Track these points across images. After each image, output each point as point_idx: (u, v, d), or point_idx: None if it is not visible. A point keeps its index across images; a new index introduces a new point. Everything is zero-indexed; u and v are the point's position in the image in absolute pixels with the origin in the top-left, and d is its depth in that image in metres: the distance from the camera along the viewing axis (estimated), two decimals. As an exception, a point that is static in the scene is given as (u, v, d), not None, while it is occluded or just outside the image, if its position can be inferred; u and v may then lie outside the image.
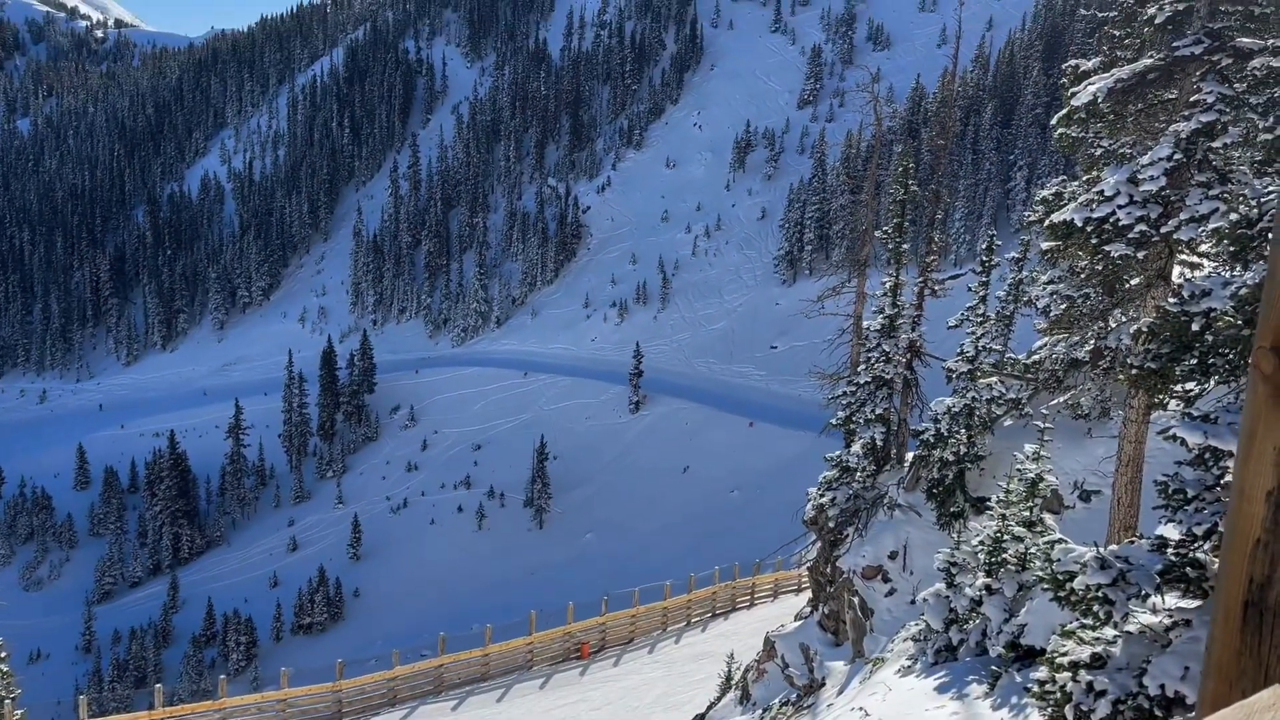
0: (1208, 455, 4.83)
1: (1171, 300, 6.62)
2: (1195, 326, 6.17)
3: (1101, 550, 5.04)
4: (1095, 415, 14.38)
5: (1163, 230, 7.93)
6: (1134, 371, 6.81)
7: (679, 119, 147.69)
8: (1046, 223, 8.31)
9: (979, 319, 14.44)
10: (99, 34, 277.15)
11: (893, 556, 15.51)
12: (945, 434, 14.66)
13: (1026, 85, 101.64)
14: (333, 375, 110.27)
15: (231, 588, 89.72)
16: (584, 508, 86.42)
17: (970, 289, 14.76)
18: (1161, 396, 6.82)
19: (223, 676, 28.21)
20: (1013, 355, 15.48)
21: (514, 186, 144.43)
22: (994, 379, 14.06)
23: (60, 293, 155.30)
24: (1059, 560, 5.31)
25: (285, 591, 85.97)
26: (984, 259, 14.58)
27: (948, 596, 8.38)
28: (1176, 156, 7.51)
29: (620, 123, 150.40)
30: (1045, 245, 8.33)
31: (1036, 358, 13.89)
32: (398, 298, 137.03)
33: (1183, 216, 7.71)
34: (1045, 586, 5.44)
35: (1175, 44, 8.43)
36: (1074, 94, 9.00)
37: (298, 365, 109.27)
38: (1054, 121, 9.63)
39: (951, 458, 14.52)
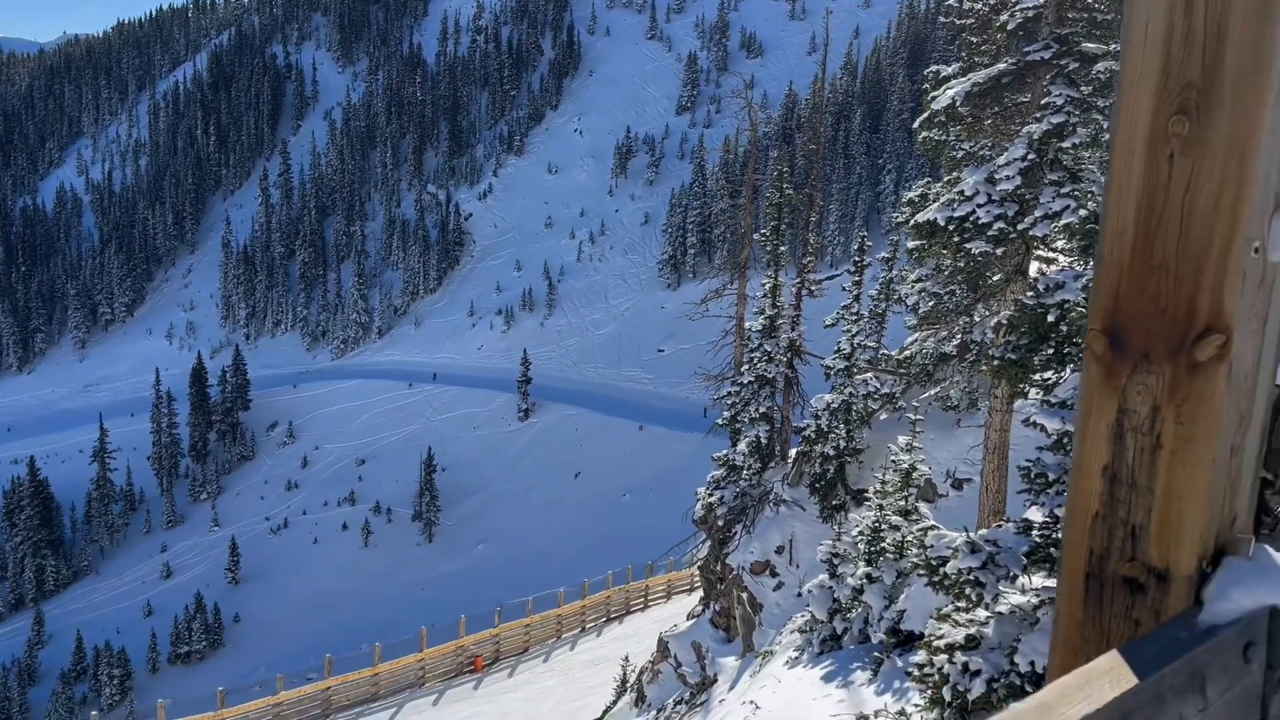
0: (1065, 440, 5.09)
1: (1028, 294, 6.98)
2: (1050, 318, 6.51)
3: (972, 535, 5.26)
4: (964, 406, 15.02)
5: (1019, 227, 8.37)
6: (995, 363, 7.16)
7: (559, 125, 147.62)
8: (911, 223, 8.66)
9: (853, 317, 14.91)
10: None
11: (780, 551, 15.84)
12: (825, 430, 15.06)
13: (893, 91, 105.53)
14: (204, 393, 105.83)
15: (102, 619, 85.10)
16: (475, 519, 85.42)
17: (844, 289, 15.23)
18: (1022, 386, 7.20)
19: (95, 713, 26.75)
20: (886, 351, 16.02)
21: (392, 194, 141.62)
22: (869, 375, 14.54)
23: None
24: (932, 546, 5.52)
25: (160, 620, 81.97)
26: (856, 260, 15.07)
27: (831, 587, 8.61)
28: (1030, 157, 7.93)
29: (500, 128, 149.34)
30: (911, 244, 8.67)
31: (908, 353, 14.43)
32: (272, 310, 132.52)
33: (1037, 214, 8.15)
34: (921, 573, 5.64)
35: (1026, 49, 8.90)
36: (934, 98, 9.41)
37: (166, 383, 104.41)
38: (916, 125, 10.05)
39: (832, 452, 14.93)
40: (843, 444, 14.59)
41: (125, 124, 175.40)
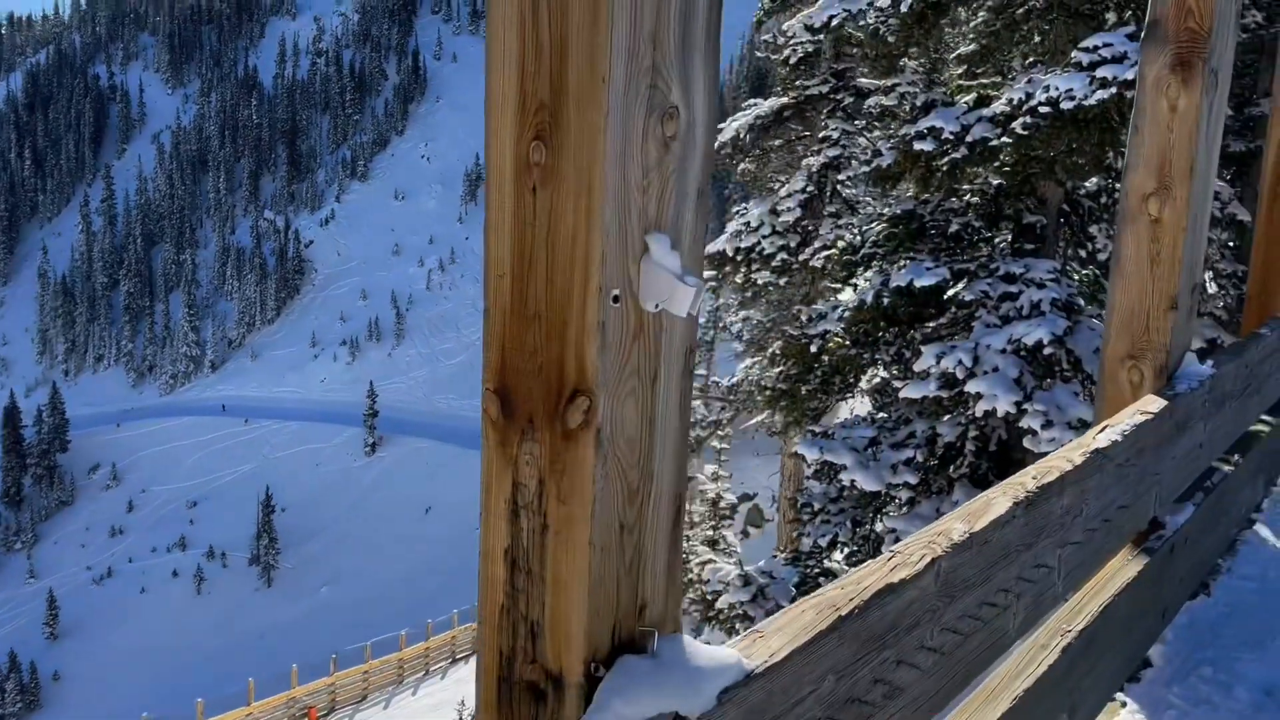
0: (825, 469, 5.09)
1: (795, 324, 7.11)
2: (814, 349, 6.63)
3: (747, 568, 5.18)
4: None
5: (801, 258, 8.56)
6: (767, 393, 7.24)
7: (405, 150, 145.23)
8: (705, 252, 8.72)
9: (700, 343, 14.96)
10: None
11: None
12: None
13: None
14: (17, 435, 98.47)
15: (-107, 689, 77.22)
16: (319, 560, 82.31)
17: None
18: (795, 415, 7.31)
19: None
20: (716, 379, 16.15)
21: (226, 220, 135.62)
22: (697, 402, 14.58)
23: None
24: (708, 581, 5.41)
25: (-34, 684, 75.21)
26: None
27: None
28: (809, 189, 8.14)
29: (342, 153, 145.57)
30: (705, 274, 8.72)
31: (736, 379, 14.61)
32: (93, 344, 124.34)
33: (816, 245, 8.36)
34: (696, 609, 5.55)
35: (804, 84, 9.16)
36: (720, 129, 9.54)
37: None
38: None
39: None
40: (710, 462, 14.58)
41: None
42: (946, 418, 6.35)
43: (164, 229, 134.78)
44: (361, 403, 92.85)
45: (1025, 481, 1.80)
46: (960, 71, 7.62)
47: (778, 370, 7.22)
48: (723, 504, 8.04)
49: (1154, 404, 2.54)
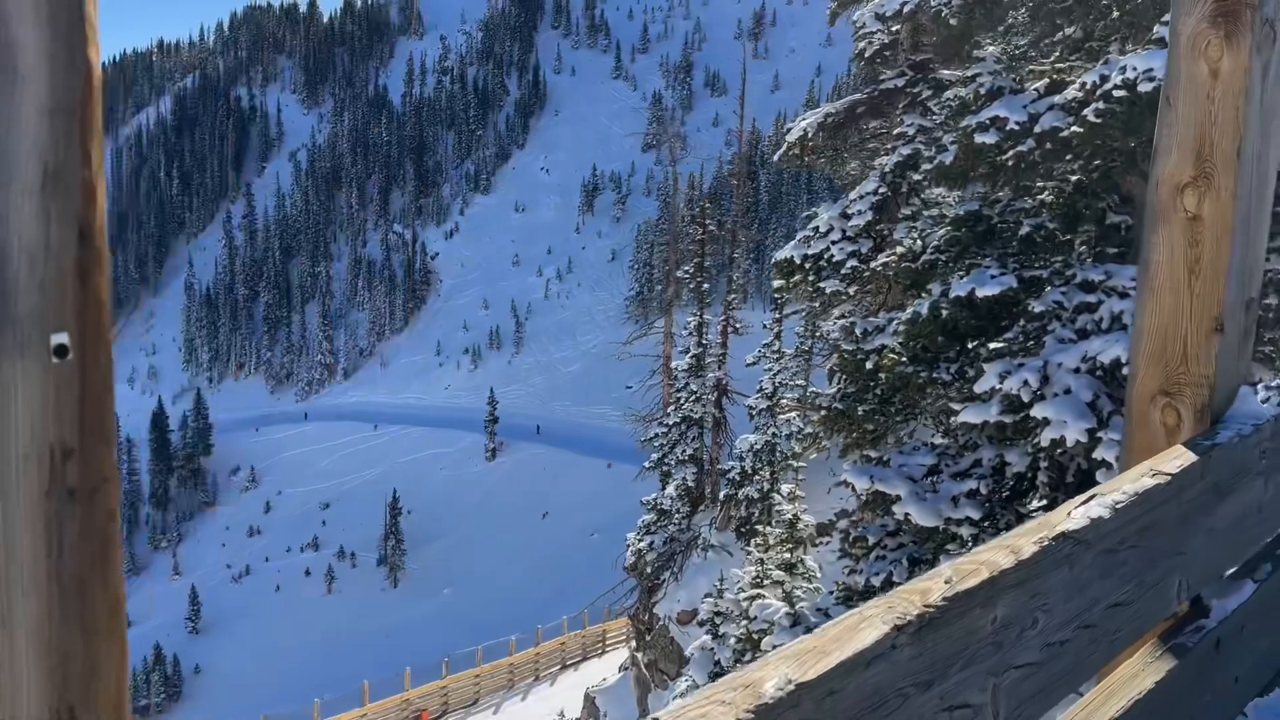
0: (877, 500, 4.61)
1: (845, 339, 6.55)
2: (869, 365, 6.05)
3: (800, 605, 4.77)
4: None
5: (872, 265, 7.94)
6: (823, 412, 6.68)
7: (526, 163, 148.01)
8: (774, 260, 8.22)
9: (775, 355, 14.46)
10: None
11: (733, 588, 15.25)
12: (749, 471, 14.54)
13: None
14: (164, 439, 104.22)
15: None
16: (442, 562, 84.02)
17: (765, 326, 14.80)
18: (853, 437, 6.69)
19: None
20: (815, 390, 15.54)
21: (358, 234, 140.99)
22: (792, 415, 14.08)
23: None
24: (754, 618, 5.01)
25: (117, 674, 79.77)
26: (776, 296, 14.65)
27: (712, 649, 8.07)
28: (882, 190, 7.51)
29: (467, 168, 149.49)
30: (776, 283, 8.21)
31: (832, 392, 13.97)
32: (235, 353, 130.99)
33: (890, 251, 7.74)
34: (741, 645, 5.14)
35: (881, 77, 8.56)
36: (789, 130, 9.03)
37: (126, 429, 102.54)
38: (776, 158, 9.65)
39: (756, 495, 14.41)
40: (767, 486, 14.10)
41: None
42: (1019, 444, 5.70)
43: (300, 243, 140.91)
44: (482, 409, 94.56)
45: (929, 589, 1.18)
46: (1053, 58, 6.89)
47: (834, 388, 6.69)
48: (800, 526, 7.60)
49: (1174, 460, 1.82)
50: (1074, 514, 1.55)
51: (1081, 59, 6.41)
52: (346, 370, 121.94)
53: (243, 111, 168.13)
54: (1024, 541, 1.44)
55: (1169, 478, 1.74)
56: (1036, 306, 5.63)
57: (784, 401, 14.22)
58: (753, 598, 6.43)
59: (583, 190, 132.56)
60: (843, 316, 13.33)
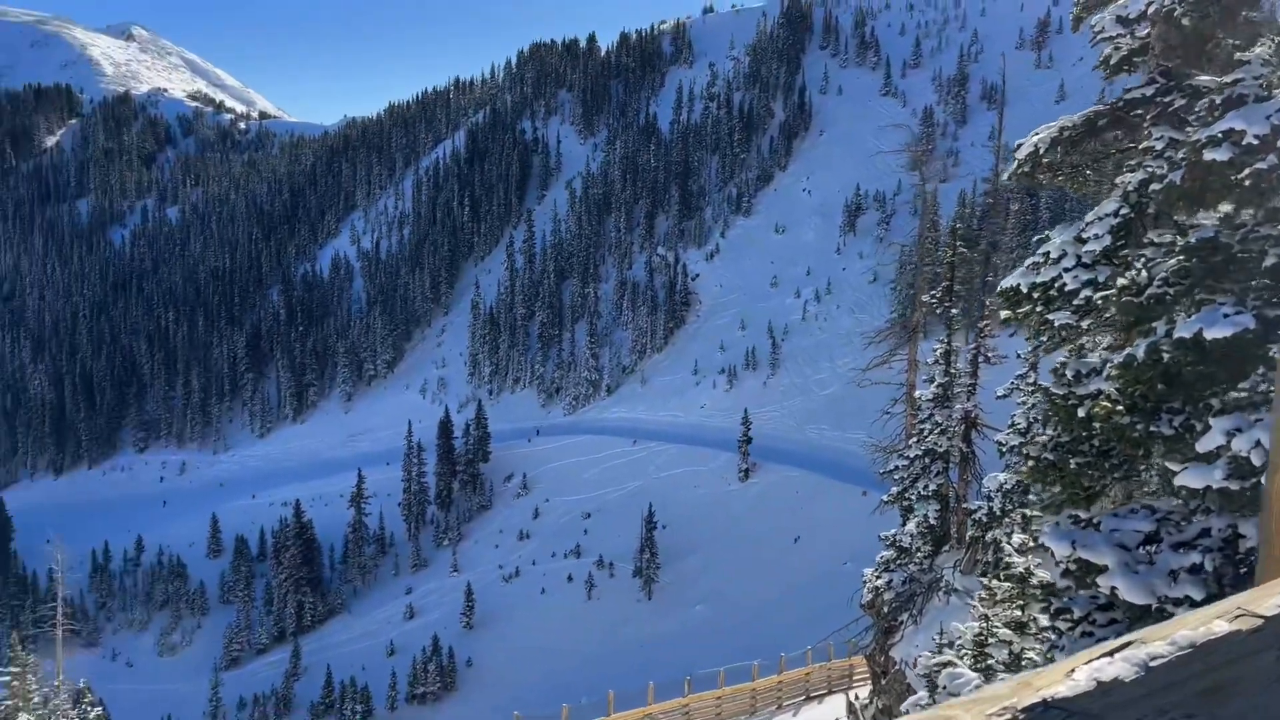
0: (1079, 569, 4.11)
1: (1057, 382, 5.83)
2: (1081, 412, 5.34)
3: (1003, 677, 4.36)
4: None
5: (1093, 298, 7.05)
6: (1031, 463, 5.97)
7: (787, 185, 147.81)
8: (998, 289, 7.56)
9: (1030, 388, 13.48)
10: (242, 125, 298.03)
11: (953, 644, 14.42)
12: (999, 513, 13.63)
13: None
14: (449, 445, 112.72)
15: (350, 655, 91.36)
16: (693, 578, 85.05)
17: (1019, 355, 13.82)
18: (1065, 493, 5.91)
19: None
20: (1017, 432, 14.34)
21: (624, 256, 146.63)
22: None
23: (200, 369, 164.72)
24: (944, 688, 4.64)
25: (401, 660, 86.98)
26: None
27: (923, 707, 7.56)
28: (1124, 211, 6.69)
29: (729, 190, 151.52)
30: (1003, 314, 7.55)
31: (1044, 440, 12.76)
32: (512, 368, 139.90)
33: (1112, 282, 6.83)
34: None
35: (1127, 86, 7.69)
36: (1019, 145, 8.30)
37: (417, 435, 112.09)
38: (1005, 177, 8.90)
39: (1005, 539, 13.46)
40: (1011, 531, 13.14)
41: (392, 197, 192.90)
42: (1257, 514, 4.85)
43: (573, 265, 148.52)
44: (736, 429, 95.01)
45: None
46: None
47: (1045, 436, 6.02)
48: (1034, 581, 6.94)
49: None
50: (1076, 674, 1.12)
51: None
52: (610, 386, 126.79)
53: (526, 143, 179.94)
54: (969, 715, 1.00)
55: (1262, 621, 1.16)
56: (1277, 353, 4.79)
57: (1038, 439, 13.22)
58: (942, 665, 5.95)
59: (845, 210, 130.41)
60: (1075, 353, 12.25)
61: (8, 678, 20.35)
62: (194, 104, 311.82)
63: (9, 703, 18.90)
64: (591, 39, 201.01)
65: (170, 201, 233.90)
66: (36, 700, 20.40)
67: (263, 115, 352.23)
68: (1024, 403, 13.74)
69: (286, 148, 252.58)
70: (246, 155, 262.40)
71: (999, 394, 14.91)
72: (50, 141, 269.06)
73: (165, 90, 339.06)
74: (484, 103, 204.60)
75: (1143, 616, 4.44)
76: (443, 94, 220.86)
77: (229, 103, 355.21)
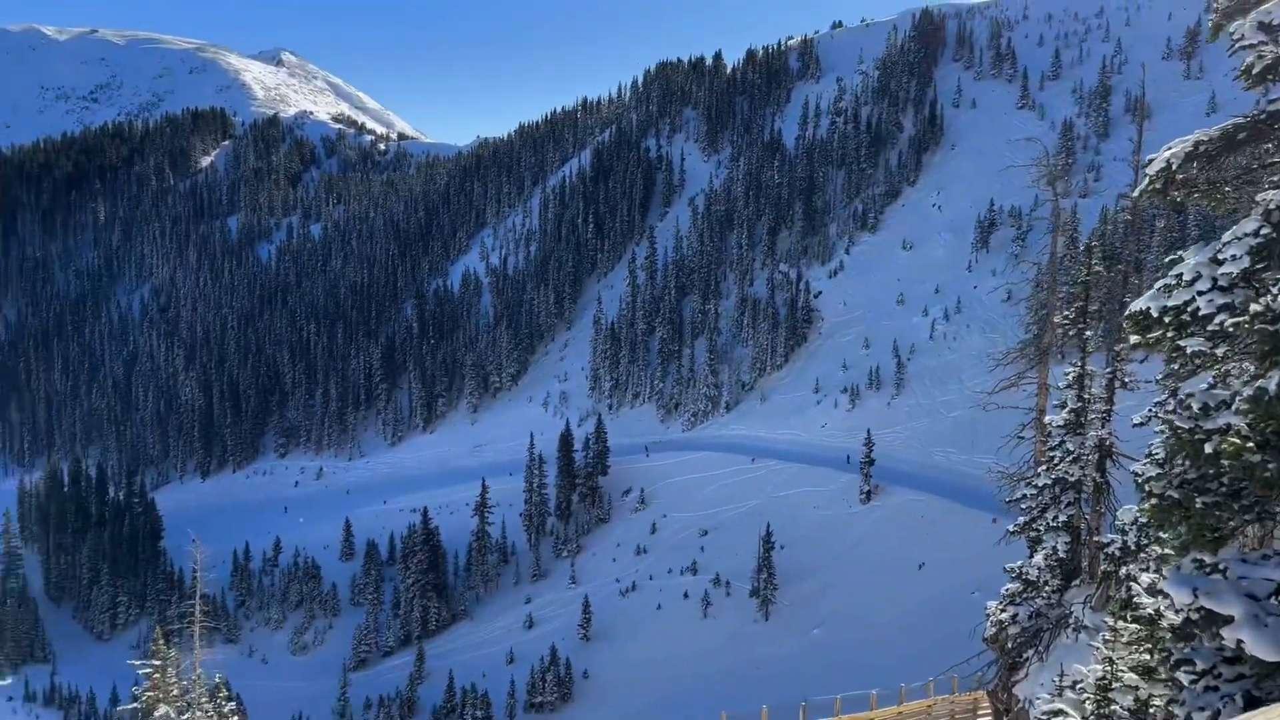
0: (1202, 619, 3.78)
1: (1182, 414, 5.34)
2: (1209, 448, 4.88)
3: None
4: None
5: (1225, 324, 6.44)
6: (1154, 500, 5.47)
7: (916, 200, 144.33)
8: (1126, 312, 7.05)
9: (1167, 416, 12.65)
10: (381, 147, 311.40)
11: (1074, 686, 13.67)
12: (1134, 548, 12.86)
13: None
14: (569, 457, 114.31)
15: (471, 661, 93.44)
16: (812, 600, 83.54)
17: (1158, 380, 13.01)
18: (1190, 535, 5.37)
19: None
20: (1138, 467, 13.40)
21: (745, 273, 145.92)
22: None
23: (339, 379, 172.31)
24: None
25: (520, 669, 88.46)
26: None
27: (1041, 753, 7.13)
28: (1265, 231, 6.15)
29: (854, 206, 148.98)
30: (1132, 340, 7.05)
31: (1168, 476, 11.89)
32: (632, 383, 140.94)
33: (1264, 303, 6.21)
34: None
35: (1272, 97, 7.09)
36: (1149, 161, 7.75)
37: (539, 447, 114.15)
38: (1136, 194, 8.31)
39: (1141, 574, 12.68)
40: (1149, 568, 12.36)
41: (520, 215, 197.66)
42: None
43: (693, 281, 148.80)
44: (858, 450, 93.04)
45: None
46: None
47: (1171, 473, 5.54)
48: (1164, 624, 6.44)
49: None
50: None
51: None
52: (729, 403, 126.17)
53: (650, 161, 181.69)
54: None
55: None
56: None
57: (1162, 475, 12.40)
58: (1052, 714, 5.57)
59: (977, 226, 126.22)
60: (1218, 380, 11.47)
61: (150, 670, 21.68)
62: (337, 126, 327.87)
63: (150, 694, 20.13)
64: (718, 57, 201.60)
65: (314, 219, 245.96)
66: (175, 693, 21.62)
67: (401, 136, 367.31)
68: (1161, 431, 12.94)
69: (422, 168, 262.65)
70: (385, 175, 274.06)
71: (1135, 421, 14.10)
72: (205, 162, 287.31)
73: (311, 113, 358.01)
74: (610, 122, 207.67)
75: (1272, 674, 4.05)
76: (570, 114, 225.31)
77: (370, 124, 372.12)
